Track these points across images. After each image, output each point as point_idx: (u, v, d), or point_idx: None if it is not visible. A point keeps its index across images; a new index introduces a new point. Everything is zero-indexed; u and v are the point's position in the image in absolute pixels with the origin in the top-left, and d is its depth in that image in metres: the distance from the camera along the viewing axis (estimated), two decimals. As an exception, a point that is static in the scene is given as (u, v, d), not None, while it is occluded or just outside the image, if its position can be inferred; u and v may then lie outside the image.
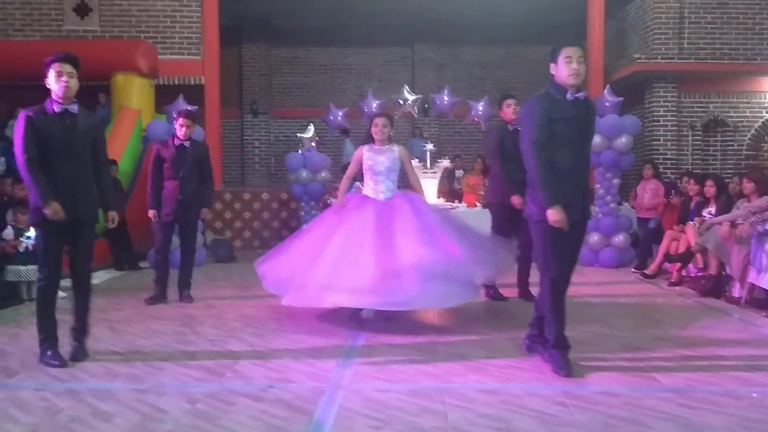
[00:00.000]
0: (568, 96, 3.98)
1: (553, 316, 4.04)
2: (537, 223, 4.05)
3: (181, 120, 6.33)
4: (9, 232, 6.49)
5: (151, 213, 6.42)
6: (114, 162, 9.31)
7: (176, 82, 11.49)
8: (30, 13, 11.59)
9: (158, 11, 11.61)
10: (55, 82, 4.15)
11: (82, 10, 11.58)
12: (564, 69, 3.96)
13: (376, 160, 5.58)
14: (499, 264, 5.47)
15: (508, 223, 6.40)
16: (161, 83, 11.37)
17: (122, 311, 6.03)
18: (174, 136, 6.41)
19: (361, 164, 5.64)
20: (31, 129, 4.12)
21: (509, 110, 6.35)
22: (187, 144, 6.36)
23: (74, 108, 4.21)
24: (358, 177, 6.03)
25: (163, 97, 10.32)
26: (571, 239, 4.01)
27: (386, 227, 5.16)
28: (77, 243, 4.34)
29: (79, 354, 4.35)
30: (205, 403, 3.50)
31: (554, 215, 3.89)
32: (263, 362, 4.28)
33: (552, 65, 4.02)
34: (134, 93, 10.68)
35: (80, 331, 4.42)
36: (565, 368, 3.97)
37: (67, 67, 4.17)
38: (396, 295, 4.78)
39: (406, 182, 6.17)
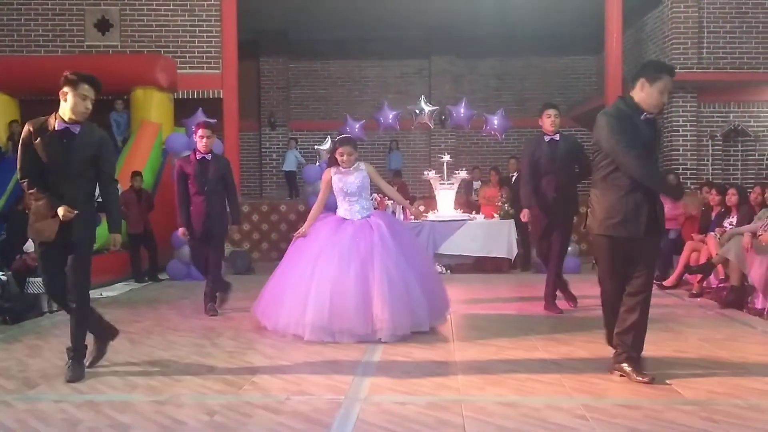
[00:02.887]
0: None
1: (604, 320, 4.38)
2: (596, 236, 4.15)
3: (200, 131, 6.20)
4: (30, 246, 6.58)
5: (180, 231, 6.34)
6: (139, 174, 9.38)
7: (195, 96, 11.62)
8: (52, 29, 11.78)
9: (178, 26, 11.76)
10: (72, 99, 4.03)
11: (104, 26, 11.75)
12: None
13: (346, 181, 5.54)
14: (437, 312, 5.58)
15: (542, 231, 6.25)
16: (181, 97, 11.52)
17: (140, 323, 6.06)
18: (195, 150, 6.29)
19: (332, 187, 5.61)
20: (29, 149, 4.07)
21: (548, 120, 6.01)
22: (209, 157, 6.24)
23: (75, 128, 4.08)
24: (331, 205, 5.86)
25: (183, 110, 10.44)
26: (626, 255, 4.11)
27: (362, 257, 5.24)
28: (72, 259, 4.17)
29: (67, 373, 4.17)
30: (223, 415, 3.51)
31: None
32: (281, 374, 4.28)
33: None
34: (153, 107, 10.84)
35: (72, 350, 4.24)
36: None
37: (92, 93, 4.09)
38: (366, 335, 5.12)
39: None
